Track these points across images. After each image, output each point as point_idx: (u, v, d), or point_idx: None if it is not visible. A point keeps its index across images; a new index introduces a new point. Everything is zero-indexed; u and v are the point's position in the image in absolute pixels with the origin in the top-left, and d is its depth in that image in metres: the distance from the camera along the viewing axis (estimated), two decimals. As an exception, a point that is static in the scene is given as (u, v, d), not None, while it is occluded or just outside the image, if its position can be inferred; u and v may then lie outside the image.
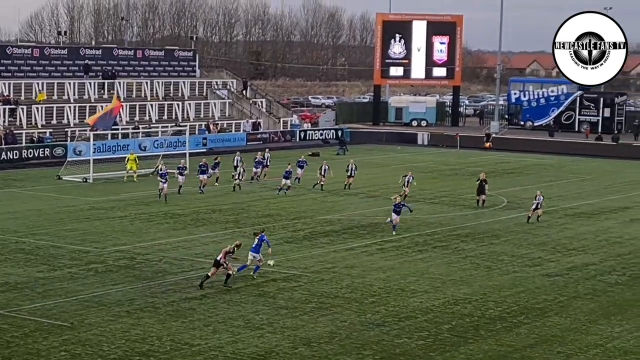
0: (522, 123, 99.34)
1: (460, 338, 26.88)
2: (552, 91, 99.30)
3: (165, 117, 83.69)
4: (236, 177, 54.23)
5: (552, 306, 30.57)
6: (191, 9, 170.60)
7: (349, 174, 55.47)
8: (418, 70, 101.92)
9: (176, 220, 44.31)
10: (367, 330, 27.31)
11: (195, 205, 48.78)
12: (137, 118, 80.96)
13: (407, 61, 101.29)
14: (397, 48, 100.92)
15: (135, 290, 31.18)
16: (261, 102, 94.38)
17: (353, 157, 62.22)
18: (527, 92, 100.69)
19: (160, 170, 51.65)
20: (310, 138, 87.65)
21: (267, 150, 62.04)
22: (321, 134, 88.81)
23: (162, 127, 76.21)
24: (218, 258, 31.87)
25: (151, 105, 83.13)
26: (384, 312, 29.24)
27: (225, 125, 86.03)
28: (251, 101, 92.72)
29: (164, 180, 49.84)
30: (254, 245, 33.25)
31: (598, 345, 26.51)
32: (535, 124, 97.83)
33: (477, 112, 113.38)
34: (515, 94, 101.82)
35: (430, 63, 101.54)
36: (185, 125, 71.73)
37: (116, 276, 33.09)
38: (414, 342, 26.35)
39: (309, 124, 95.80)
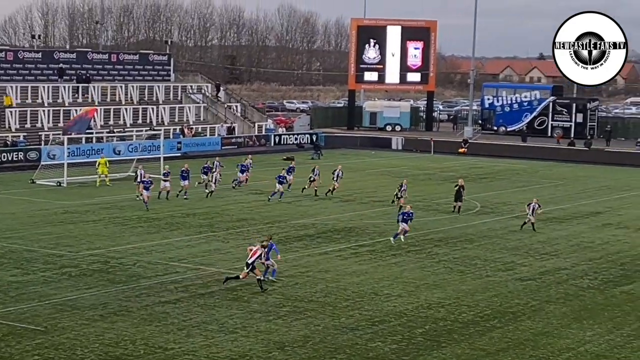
0: (495, 128, 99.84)
1: (434, 342, 27.02)
2: (525, 96, 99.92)
3: (140, 121, 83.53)
4: (211, 183, 53.78)
5: (524, 310, 30.78)
6: (166, 13, 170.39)
7: (335, 179, 54.85)
8: (392, 75, 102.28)
9: (150, 225, 44.28)
10: (340, 334, 27.41)
11: (170, 209, 48.75)
12: (111, 122, 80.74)
13: (381, 66, 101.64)
14: (371, 53, 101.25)
15: (109, 294, 31.15)
16: (236, 106, 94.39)
17: (327, 162, 62.31)
18: (500, 98, 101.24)
19: (143, 178, 51.13)
20: (285, 142, 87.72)
21: (249, 156, 61.65)
22: (296, 139, 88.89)
23: (137, 131, 76.07)
24: (249, 261, 31.92)
25: (126, 109, 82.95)
26: (358, 316, 29.35)
27: (199, 130, 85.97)
28: (226, 105, 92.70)
29: (147, 189, 48.59)
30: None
31: (570, 349, 26.72)
32: (509, 129, 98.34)
33: (451, 117, 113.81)
34: (488, 99, 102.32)
35: (404, 68, 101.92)
36: (160, 130, 71.63)
37: (90, 280, 33.05)
38: (388, 346, 26.47)
39: (284, 129, 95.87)
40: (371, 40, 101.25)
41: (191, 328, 27.52)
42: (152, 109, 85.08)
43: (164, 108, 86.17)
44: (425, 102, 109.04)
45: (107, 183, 57.21)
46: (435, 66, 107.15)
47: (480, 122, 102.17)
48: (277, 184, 53.12)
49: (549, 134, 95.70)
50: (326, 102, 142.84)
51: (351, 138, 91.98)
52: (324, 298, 31.43)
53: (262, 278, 32.16)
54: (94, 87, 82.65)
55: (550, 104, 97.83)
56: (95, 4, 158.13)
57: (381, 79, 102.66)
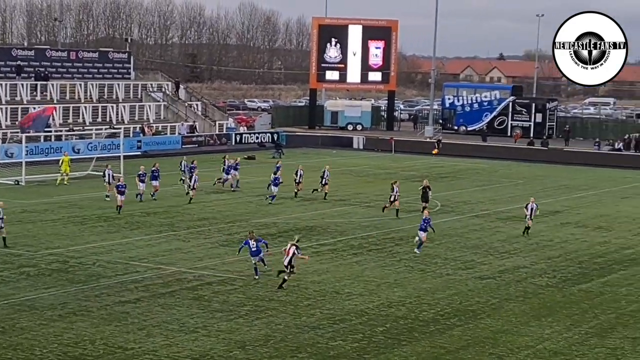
0: (455, 128, 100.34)
1: (394, 340, 27.12)
2: (485, 96, 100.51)
3: (100, 119, 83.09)
4: (189, 185, 51.89)
5: (484, 308, 30.96)
6: (126, 11, 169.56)
7: (323, 181, 53.68)
8: (354, 74, 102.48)
9: (110, 224, 44.05)
10: (301, 333, 27.43)
11: (130, 208, 48.49)
12: (70, 120, 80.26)
13: (342, 65, 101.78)
14: (332, 52, 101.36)
15: (68, 294, 30.96)
16: (197, 105, 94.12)
17: (288, 162, 62.19)
18: (460, 97, 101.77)
19: (112, 179, 50.47)
20: (246, 141, 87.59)
21: (226, 156, 60.75)
22: (257, 137, 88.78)
23: (96, 129, 75.67)
24: (286, 262, 32.22)
25: (85, 107, 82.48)
26: (319, 315, 29.38)
27: (160, 128, 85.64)
28: (187, 104, 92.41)
29: (122, 193, 47.02)
30: (254, 249, 33.56)
31: (529, 347, 26.91)
32: (469, 129, 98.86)
33: (412, 116, 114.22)
34: (449, 99, 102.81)
35: (365, 67, 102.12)
36: (120, 128, 71.28)
37: (49, 280, 32.83)
38: (349, 345, 26.53)
39: (245, 127, 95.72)
40: (332, 39, 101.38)
41: (151, 328, 27.42)
42: (112, 107, 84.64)
43: (124, 106, 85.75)
44: (387, 101, 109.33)
45: (66, 182, 56.77)
46: (396, 66, 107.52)
47: (440, 121, 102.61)
48: (272, 187, 52.33)
49: (509, 134, 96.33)
50: (287, 101, 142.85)
51: (312, 137, 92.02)
52: (285, 297, 31.43)
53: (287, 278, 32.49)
54: (52, 85, 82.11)
55: (510, 103, 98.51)
56: (54, 0, 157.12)
57: (342, 78, 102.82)
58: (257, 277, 33.44)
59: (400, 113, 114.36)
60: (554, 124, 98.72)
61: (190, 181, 51.70)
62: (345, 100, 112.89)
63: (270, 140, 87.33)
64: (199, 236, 41.76)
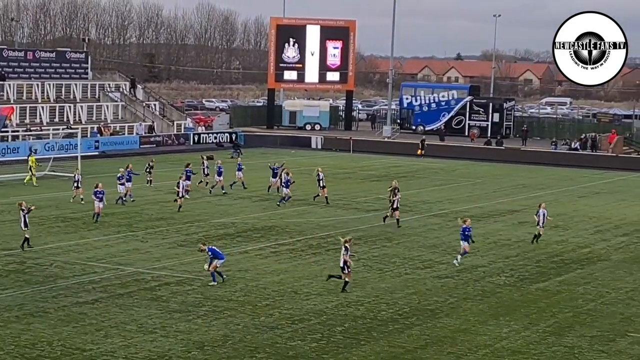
0: (413, 127, 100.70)
1: (353, 340, 27.16)
2: (443, 96, 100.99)
3: (57, 119, 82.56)
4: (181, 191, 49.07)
5: (442, 307, 31.09)
6: (83, 11, 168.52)
7: (321, 184, 52.50)
8: (312, 74, 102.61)
9: (67, 224, 43.75)
10: (260, 333, 27.40)
11: (88, 208, 48.16)
12: (27, 120, 79.63)
13: (300, 65, 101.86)
14: (291, 52, 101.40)
15: (25, 295, 30.71)
16: (154, 104, 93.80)
17: (247, 162, 62.02)
18: (418, 97, 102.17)
19: (79, 183, 49.86)
20: (204, 141, 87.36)
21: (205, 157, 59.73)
22: (215, 137, 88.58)
23: (54, 129, 75.17)
24: (341, 264, 32.30)
25: (42, 107, 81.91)
26: (278, 315, 29.37)
27: (118, 128, 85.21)
28: (144, 104, 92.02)
29: (100, 200, 44.92)
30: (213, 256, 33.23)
31: (487, 346, 27.06)
32: (427, 129, 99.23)
33: (370, 116, 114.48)
34: (407, 98, 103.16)
35: (323, 67, 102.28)
36: (77, 128, 70.83)
37: (5, 281, 32.54)
38: (307, 345, 26.53)
39: (203, 127, 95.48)
40: (290, 39, 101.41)
41: (109, 328, 27.27)
42: (70, 107, 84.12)
43: (82, 106, 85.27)
44: (345, 101, 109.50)
45: (25, 183, 56.25)
46: (354, 66, 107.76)
47: (398, 121, 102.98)
48: (283, 189, 51.77)
49: (467, 134, 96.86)
50: (245, 101, 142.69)
51: (271, 137, 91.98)
52: (244, 297, 31.39)
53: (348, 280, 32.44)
54: (9, 84, 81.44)
55: (468, 103, 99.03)
56: (10, 0, 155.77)
57: (300, 78, 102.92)
58: (214, 283, 32.83)
59: (359, 113, 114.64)
60: (511, 123, 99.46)
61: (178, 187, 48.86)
62: (303, 100, 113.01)
63: (228, 140, 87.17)
64: (157, 236, 41.59)
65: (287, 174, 52.13)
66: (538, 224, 42.91)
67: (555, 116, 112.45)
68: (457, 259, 37.59)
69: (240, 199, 53.35)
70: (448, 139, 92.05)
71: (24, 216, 37.58)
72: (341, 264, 32.60)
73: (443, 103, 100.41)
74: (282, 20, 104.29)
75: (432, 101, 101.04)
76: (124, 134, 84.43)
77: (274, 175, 54.33)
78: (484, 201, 56.18)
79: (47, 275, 33.61)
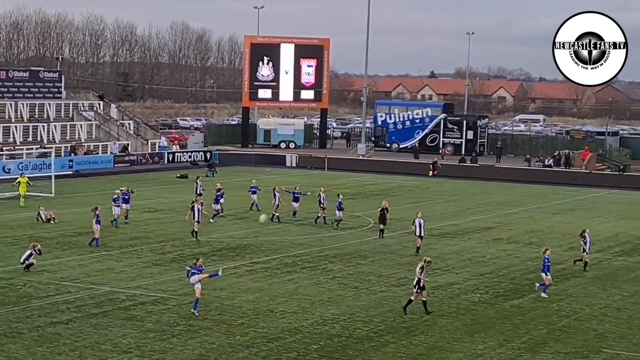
0: (388, 145, 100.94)
1: (328, 358, 27.14)
2: (417, 114, 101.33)
3: (30, 138, 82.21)
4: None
5: (418, 325, 31.13)
6: (56, 29, 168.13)
7: (322, 205, 51.72)
8: (286, 92, 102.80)
9: (42, 244, 43.39)
10: (235, 352, 27.35)
11: (62, 228, 48.03)
12: (1, 140, 79.24)
13: (275, 84, 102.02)
14: (265, 71, 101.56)
15: (-1, 315, 30.54)
16: (129, 123, 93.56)
17: (221, 180, 61.88)
18: (392, 115, 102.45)
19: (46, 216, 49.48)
20: (179, 160, 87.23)
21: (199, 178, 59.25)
22: (190, 156, 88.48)
23: (27, 149, 74.81)
24: (415, 282, 32.26)
25: (15, 127, 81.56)
26: (253, 334, 29.32)
27: (92, 147, 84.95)
28: (118, 123, 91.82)
29: (99, 222, 43.85)
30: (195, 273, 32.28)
31: (462, 363, 27.12)
32: (401, 146, 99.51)
33: (345, 134, 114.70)
34: (381, 116, 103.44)
35: (298, 86, 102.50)
36: (51, 147, 70.55)
37: (-21, 301, 32.34)
38: (283, 363, 26.50)
39: (178, 146, 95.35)
40: (265, 57, 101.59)
41: (84, 349, 27.14)
42: (43, 126, 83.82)
43: (55, 126, 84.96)
44: (319, 119, 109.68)
45: (22, 204, 55.33)
46: (328, 84, 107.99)
47: (373, 139, 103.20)
48: (337, 212, 51.02)
49: (440, 151, 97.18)
50: (220, 120, 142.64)
51: (245, 155, 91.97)
52: (219, 316, 31.32)
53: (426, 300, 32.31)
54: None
55: (442, 121, 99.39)
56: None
57: (275, 96, 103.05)
58: (193, 310, 31.60)
59: (333, 131, 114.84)
60: (485, 140, 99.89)
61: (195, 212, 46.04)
62: (278, 118, 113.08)
63: (203, 159, 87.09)
64: (131, 256, 41.45)
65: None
66: (584, 251, 41.41)
67: (528, 133, 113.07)
68: (545, 290, 36.18)
69: (216, 217, 53.20)
70: (422, 156, 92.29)
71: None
72: (415, 282, 32.48)
73: (417, 121, 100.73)
74: (257, 38, 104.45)
75: (406, 119, 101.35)
76: (98, 153, 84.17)
77: (296, 200, 53.05)
78: (458, 218, 56.33)
79: (21, 295, 33.42)
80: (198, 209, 45.68)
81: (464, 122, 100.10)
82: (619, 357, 28.32)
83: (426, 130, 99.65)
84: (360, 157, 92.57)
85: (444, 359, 27.44)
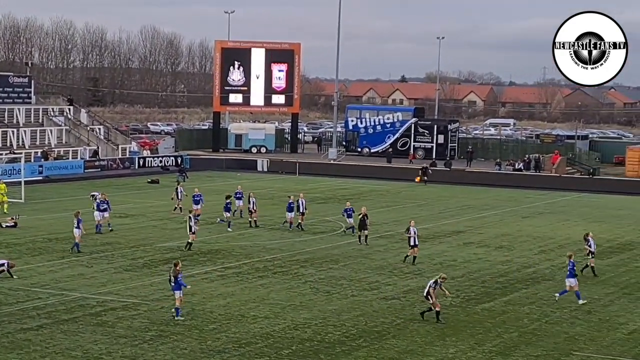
0: (359, 150, 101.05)
1: (300, 362, 27.15)
2: (388, 118, 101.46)
3: (0, 144, 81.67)
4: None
5: (389, 329, 31.18)
6: (26, 34, 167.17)
7: (300, 211, 51.44)
8: (257, 97, 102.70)
9: (11, 250, 43.24)
10: (207, 357, 27.29)
11: (32, 234, 47.77)
12: (-31, 145, 78.74)
13: (246, 88, 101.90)
14: (236, 75, 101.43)
15: (-32, 322, 30.32)
16: (99, 129, 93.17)
17: (192, 185, 61.75)
18: (363, 119, 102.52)
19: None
20: (150, 165, 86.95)
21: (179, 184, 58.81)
22: (161, 161, 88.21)
23: (-4, 154, 74.38)
24: (425, 294, 32.30)
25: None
26: (225, 339, 29.28)
27: (62, 153, 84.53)
28: (89, 128, 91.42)
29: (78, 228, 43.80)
30: (173, 284, 31.88)
31: (434, 366, 27.19)
32: (372, 151, 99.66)
33: (316, 139, 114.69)
34: (352, 121, 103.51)
35: (269, 90, 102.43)
36: (21, 153, 70.15)
37: (-52, 308, 32.09)
38: (255, 368, 26.48)
39: (148, 151, 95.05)
40: (236, 62, 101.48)
41: (54, 355, 27.00)
42: (13, 131, 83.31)
43: (25, 131, 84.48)
44: (290, 124, 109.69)
45: (5, 210, 54.26)
46: (299, 88, 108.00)
47: (344, 143, 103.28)
48: (348, 219, 50.62)
49: (414, 155, 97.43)
50: (191, 124, 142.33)
51: (217, 160, 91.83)
52: (191, 321, 31.25)
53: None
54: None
55: (413, 125, 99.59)
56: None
57: (246, 101, 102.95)
58: (177, 317, 31.46)
59: (304, 135, 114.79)
60: (456, 145, 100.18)
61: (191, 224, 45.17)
62: (249, 123, 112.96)
63: (174, 164, 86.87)
64: (102, 261, 41.28)
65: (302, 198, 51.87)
66: (589, 254, 41.03)
67: (499, 137, 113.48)
68: (579, 298, 35.92)
69: (185, 222, 53.02)
70: (393, 160, 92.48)
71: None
72: (425, 293, 32.50)
73: (388, 125, 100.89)
74: (227, 43, 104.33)
75: (377, 123, 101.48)
76: (68, 158, 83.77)
77: (290, 209, 51.77)
78: (429, 222, 56.47)
79: (-9, 301, 33.20)
80: (194, 219, 44.99)
81: (435, 126, 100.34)
82: (589, 359, 28.48)
83: (397, 135, 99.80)
84: (332, 162, 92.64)
85: (416, 362, 27.50)
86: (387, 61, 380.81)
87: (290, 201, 51.60)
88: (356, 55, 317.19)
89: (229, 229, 50.15)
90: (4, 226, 49.25)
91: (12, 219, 50.14)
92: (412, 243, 43.13)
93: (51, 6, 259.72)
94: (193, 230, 44.69)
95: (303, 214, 51.70)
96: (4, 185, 55.83)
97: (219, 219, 52.66)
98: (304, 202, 51.83)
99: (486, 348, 29.25)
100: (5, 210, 53.45)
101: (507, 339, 30.49)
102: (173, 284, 31.82)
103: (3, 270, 37.09)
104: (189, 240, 44.81)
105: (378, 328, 31.23)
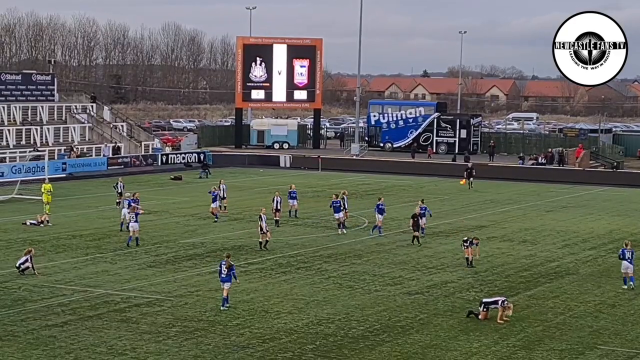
0: (381, 145, 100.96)
1: (324, 358, 27.16)
2: (410, 113, 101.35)
3: (24, 142, 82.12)
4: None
5: (413, 324, 31.15)
6: (49, 32, 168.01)
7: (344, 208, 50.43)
8: (279, 93, 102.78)
9: (35, 247, 43.29)
10: (231, 353, 27.35)
11: (55, 231, 47.99)
12: (-7, 143, 79.17)
13: (268, 84, 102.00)
14: (258, 71, 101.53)
15: (-7, 319, 30.50)
16: (122, 126, 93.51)
17: (215, 182, 61.94)
18: (386, 115, 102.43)
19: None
20: (173, 162, 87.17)
21: (221, 180, 57.51)
22: (183, 158, 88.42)
23: (20, 152, 74.75)
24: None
25: (8, 130, 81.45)
26: (249, 335, 29.33)
27: (85, 150, 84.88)
28: (112, 125, 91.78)
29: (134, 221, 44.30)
30: (223, 275, 32.62)
31: (457, 361, 27.16)
32: (395, 146, 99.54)
33: (338, 134, 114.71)
34: (374, 116, 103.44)
35: (291, 86, 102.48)
36: (44, 150, 70.49)
37: (-26, 305, 32.29)
38: (279, 363, 26.52)
39: (171, 148, 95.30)
40: (257, 58, 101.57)
41: (79, 351, 27.12)
42: (36, 129, 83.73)
43: (48, 128, 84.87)
44: (312, 119, 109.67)
45: (47, 211, 52.60)
46: (321, 84, 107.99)
47: (366, 139, 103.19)
48: (378, 215, 49.45)
49: (434, 150, 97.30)
50: (213, 121, 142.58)
51: (239, 156, 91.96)
52: (214, 317, 31.32)
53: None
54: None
55: (435, 120, 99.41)
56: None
57: (268, 97, 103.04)
58: (223, 307, 32.20)
59: (327, 131, 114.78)
60: (479, 139, 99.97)
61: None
62: (271, 119, 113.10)
63: (196, 160, 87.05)
64: (126, 258, 41.42)
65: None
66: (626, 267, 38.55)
67: (521, 131, 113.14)
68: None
69: (208, 219, 53.21)
70: (416, 155, 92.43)
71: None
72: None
73: (410, 120, 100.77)
74: (249, 39, 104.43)
75: (399, 118, 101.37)
76: (91, 155, 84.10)
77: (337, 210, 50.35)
78: (452, 217, 56.36)
79: (15, 298, 33.38)
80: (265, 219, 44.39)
81: (457, 121, 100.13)
82: (614, 353, 28.38)
83: (419, 130, 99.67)
84: (354, 157, 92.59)
85: (440, 357, 27.47)
86: (409, 57, 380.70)
87: (334, 200, 50.46)
88: (378, 51, 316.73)
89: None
90: (28, 224, 49.48)
91: (41, 220, 49.82)
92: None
93: (74, 4, 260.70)
94: (264, 230, 44.18)
95: (344, 210, 50.58)
96: (50, 185, 53.99)
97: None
98: (345, 199, 51.08)
99: (510, 342, 29.18)
100: (47, 211, 51.88)
101: (531, 333, 30.41)
102: (224, 276, 32.51)
103: (28, 267, 37.26)
104: (260, 240, 44.32)
105: (401, 323, 31.21)
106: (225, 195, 55.39)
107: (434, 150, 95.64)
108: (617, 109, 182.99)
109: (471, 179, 72.03)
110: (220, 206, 53.64)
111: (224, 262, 32.83)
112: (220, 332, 29.53)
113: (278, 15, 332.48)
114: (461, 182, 71.75)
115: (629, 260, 37.07)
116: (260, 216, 44.39)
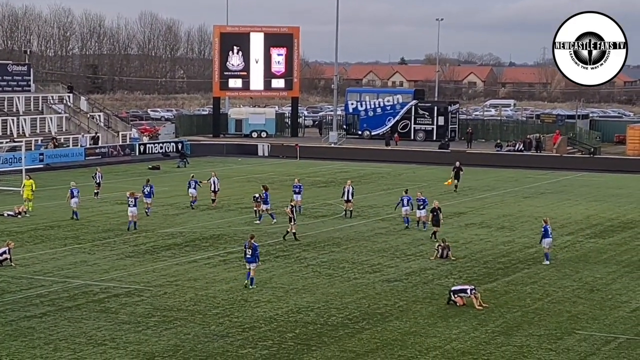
0: (359, 133, 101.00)
1: (304, 345, 27.21)
2: (388, 101, 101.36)
3: (0, 133, 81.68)
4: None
5: (392, 311, 31.25)
6: (24, 22, 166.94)
7: (345, 198, 50.94)
8: (257, 81, 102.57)
9: (13, 238, 43.20)
10: (211, 342, 27.36)
11: (33, 222, 47.82)
12: (-31, 134, 78.75)
13: (245, 73, 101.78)
14: (235, 60, 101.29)
15: (-28, 310, 30.38)
16: (99, 115, 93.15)
17: (193, 170, 61.72)
18: (364, 102, 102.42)
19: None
20: (150, 151, 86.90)
21: (214, 173, 56.77)
22: (161, 147, 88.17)
23: (-3, 143, 74.42)
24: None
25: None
26: (228, 323, 29.34)
27: (62, 140, 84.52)
28: (89, 115, 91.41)
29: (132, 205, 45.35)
30: (248, 256, 34.02)
31: (437, 347, 27.25)
32: (373, 134, 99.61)
33: (316, 122, 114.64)
34: (352, 104, 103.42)
35: (268, 75, 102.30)
36: (21, 141, 70.17)
37: (-49, 297, 32.17)
38: (258, 352, 26.55)
39: (149, 138, 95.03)
40: (235, 47, 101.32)
41: (58, 342, 27.07)
42: (13, 120, 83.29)
43: (25, 119, 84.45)
44: (290, 108, 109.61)
45: (30, 208, 51.70)
46: (299, 72, 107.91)
47: (345, 127, 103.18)
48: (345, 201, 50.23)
49: (412, 137, 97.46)
50: (191, 110, 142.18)
51: (217, 145, 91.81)
52: (194, 306, 31.32)
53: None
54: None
55: (413, 107, 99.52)
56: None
57: (246, 85, 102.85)
58: (251, 286, 33.77)
59: (305, 119, 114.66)
60: (456, 126, 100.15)
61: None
62: (249, 107, 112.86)
63: (174, 150, 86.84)
64: (104, 248, 41.33)
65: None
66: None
67: (499, 118, 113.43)
68: None
69: (187, 208, 53.15)
70: (393, 143, 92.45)
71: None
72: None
73: (388, 108, 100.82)
74: (226, 28, 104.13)
75: (377, 106, 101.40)
76: (68, 146, 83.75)
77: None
78: (430, 204, 56.36)
79: (-6, 290, 33.27)
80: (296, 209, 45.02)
81: (435, 108, 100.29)
82: (592, 337, 28.56)
83: (397, 117, 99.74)
84: (332, 145, 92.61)
85: (419, 344, 27.58)
86: (387, 44, 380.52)
87: (295, 184, 51.05)
88: (355, 39, 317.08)
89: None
90: (5, 215, 49.28)
91: (19, 211, 49.63)
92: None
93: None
94: (293, 221, 44.04)
95: (350, 200, 50.83)
96: (32, 181, 52.86)
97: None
98: (351, 190, 51.14)
99: (489, 328, 29.32)
100: (30, 208, 51.17)
101: (510, 318, 30.56)
102: (249, 256, 33.88)
103: (6, 259, 37.12)
104: (288, 230, 44.21)
105: (381, 310, 31.30)
106: (218, 188, 54.78)
107: (404, 138, 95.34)
108: (594, 94, 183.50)
109: (457, 180, 63.66)
110: (213, 200, 53.79)
111: (247, 243, 34.15)
112: (200, 321, 29.53)
113: (257, 2, 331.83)
114: (446, 183, 64.69)
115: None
116: (291, 208, 44.15)
